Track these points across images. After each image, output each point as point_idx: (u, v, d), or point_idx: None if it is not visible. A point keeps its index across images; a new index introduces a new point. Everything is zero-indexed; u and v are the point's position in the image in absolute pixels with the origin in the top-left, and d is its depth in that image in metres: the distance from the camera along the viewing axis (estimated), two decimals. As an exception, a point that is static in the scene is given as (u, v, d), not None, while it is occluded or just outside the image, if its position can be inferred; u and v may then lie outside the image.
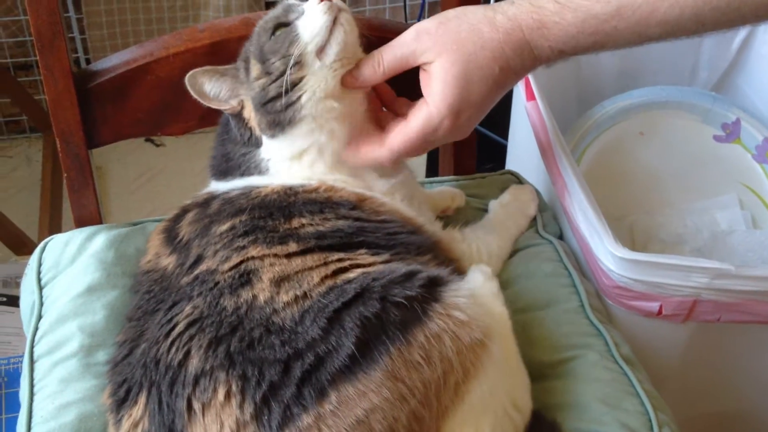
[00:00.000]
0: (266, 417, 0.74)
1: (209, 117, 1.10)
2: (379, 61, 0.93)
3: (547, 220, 1.17)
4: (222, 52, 1.05)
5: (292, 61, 0.90)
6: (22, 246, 1.92)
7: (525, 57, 0.89)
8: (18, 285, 1.81)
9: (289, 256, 0.84)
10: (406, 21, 2.33)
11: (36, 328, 1.02)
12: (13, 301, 1.80)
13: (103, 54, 2.22)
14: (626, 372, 0.96)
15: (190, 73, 0.95)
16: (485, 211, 1.15)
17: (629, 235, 1.39)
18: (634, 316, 1.11)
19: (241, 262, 0.84)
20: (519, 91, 1.35)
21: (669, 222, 1.40)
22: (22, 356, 1.11)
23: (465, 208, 1.16)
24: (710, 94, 1.50)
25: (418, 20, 2.32)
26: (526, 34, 0.88)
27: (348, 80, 0.93)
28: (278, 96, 0.92)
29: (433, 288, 0.81)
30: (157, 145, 2.40)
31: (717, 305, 1.07)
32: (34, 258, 1.10)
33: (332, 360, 0.76)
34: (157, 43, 1.07)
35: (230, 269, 0.84)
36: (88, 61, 2.26)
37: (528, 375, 0.90)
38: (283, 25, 0.93)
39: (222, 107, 0.97)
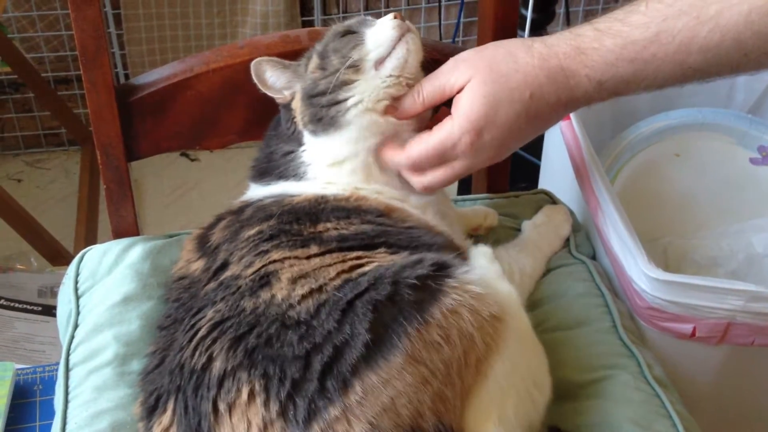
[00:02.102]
0: (292, 413, 0.75)
1: (246, 131, 1.12)
2: (419, 91, 0.95)
3: (580, 240, 1.17)
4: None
5: (349, 62, 0.93)
6: (59, 257, 1.93)
7: (559, 86, 0.89)
8: (53, 295, 1.84)
9: (309, 257, 0.85)
10: (440, 40, 2.34)
11: (72, 337, 1.03)
12: (48, 310, 1.81)
13: (141, 69, 2.25)
14: (658, 393, 0.95)
15: (257, 59, 1.00)
16: (518, 230, 1.15)
17: (663, 257, 1.38)
18: (667, 337, 1.10)
19: (263, 266, 0.85)
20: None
21: (704, 244, 1.39)
22: (56, 364, 1.12)
23: (497, 228, 1.16)
24: (747, 117, 1.49)
25: (453, 40, 2.34)
26: (561, 61, 0.88)
27: (389, 110, 0.95)
28: (326, 92, 0.94)
29: (444, 269, 0.81)
30: (192, 160, 2.43)
31: (751, 328, 1.06)
32: (72, 268, 1.12)
33: (350, 350, 0.75)
34: (197, 59, 1.09)
35: (252, 273, 0.85)
36: (127, 77, 2.29)
37: (544, 351, 0.89)
38: (352, 32, 0.97)
39: (275, 96, 1.01)
